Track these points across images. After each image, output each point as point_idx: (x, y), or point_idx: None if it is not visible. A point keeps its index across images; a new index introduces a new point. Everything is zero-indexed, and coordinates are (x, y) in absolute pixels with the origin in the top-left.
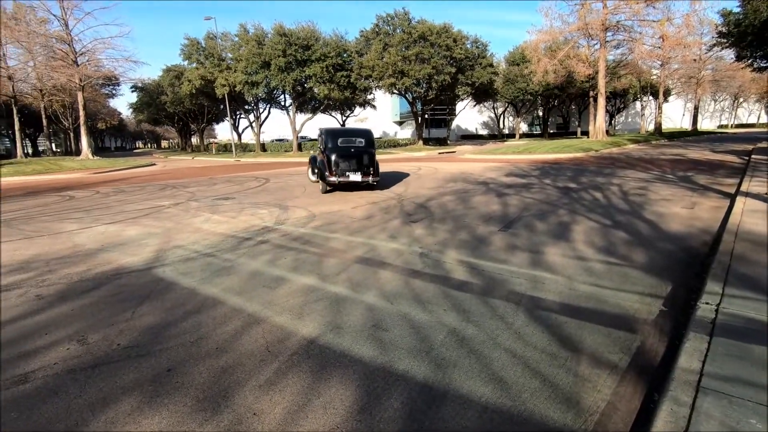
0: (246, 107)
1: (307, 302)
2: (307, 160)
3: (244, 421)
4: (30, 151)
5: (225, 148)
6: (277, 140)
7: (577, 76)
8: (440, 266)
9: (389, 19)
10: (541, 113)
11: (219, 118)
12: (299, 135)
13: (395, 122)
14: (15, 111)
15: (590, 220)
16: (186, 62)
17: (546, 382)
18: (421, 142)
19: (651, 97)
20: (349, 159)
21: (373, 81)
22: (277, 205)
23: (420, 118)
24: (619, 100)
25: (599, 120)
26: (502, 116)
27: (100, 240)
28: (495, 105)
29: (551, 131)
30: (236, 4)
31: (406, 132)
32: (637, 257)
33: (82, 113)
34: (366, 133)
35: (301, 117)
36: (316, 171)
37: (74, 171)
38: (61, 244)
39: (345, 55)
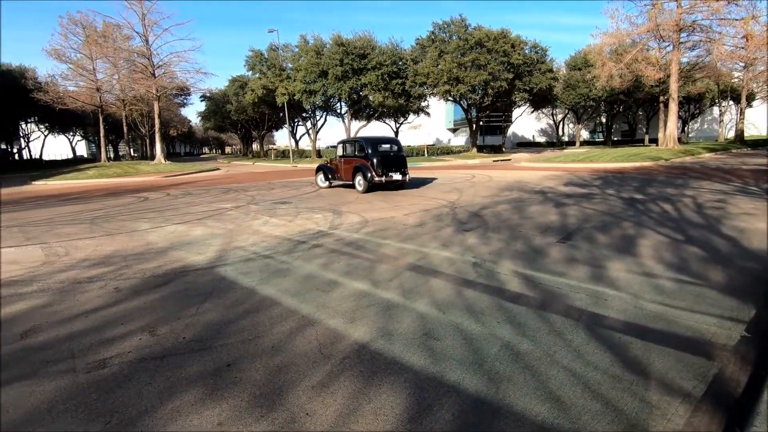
0: (303, 115)
1: (359, 307)
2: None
3: (297, 420)
4: (112, 155)
5: (283, 154)
6: (332, 147)
7: (645, 80)
8: (494, 277)
9: (445, 26)
10: (604, 120)
11: (278, 126)
12: None
13: (449, 129)
14: (101, 119)
15: (659, 234)
16: (250, 73)
17: (608, 406)
18: (475, 149)
19: (731, 102)
20: (389, 162)
21: (427, 88)
22: (331, 210)
23: (474, 125)
24: (693, 106)
25: (670, 126)
26: (561, 123)
27: (170, 239)
28: (554, 111)
29: (615, 139)
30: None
31: (460, 139)
32: (713, 276)
33: (157, 121)
34: (397, 141)
35: (355, 124)
36: (334, 176)
37: (149, 174)
38: (136, 241)
39: (400, 63)
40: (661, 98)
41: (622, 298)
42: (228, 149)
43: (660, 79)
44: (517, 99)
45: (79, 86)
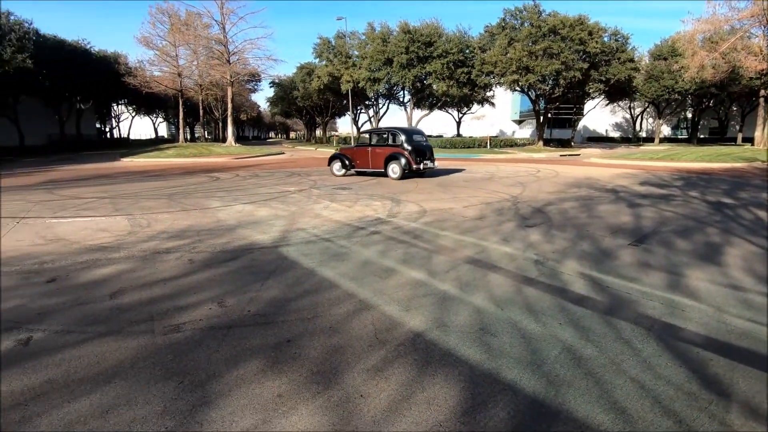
0: (366, 102)
1: (416, 296)
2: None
3: (351, 400)
4: (188, 136)
5: (344, 141)
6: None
7: (744, 71)
8: (557, 276)
9: (517, 12)
10: (689, 115)
11: (341, 113)
12: None
13: (514, 121)
14: (181, 103)
15: (751, 244)
16: (317, 60)
17: (681, 424)
18: (541, 142)
19: None
20: (422, 151)
21: (494, 77)
22: (390, 198)
23: (542, 117)
24: None
25: None
26: (639, 117)
27: (238, 217)
28: (632, 105)
29: (702, 136)
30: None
31: (525, 131)
32: None
33: (230, 106)
34: (423, 132)
35: (417, 113)
36: (352, 164)
37: (220, 155)
38: (208, 218)
39: (467, 51)
40: (762, 92)
41: (703, 310)
42: (292, 134)
43: (763, 70)
44: (591, 90)
45: (163, 71)
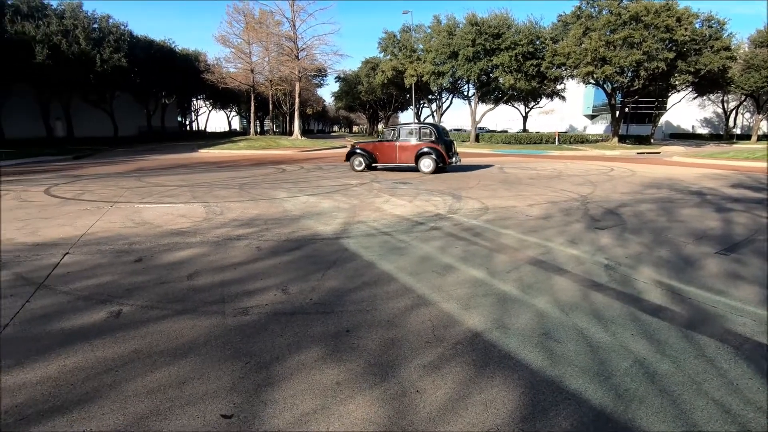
0: (430, 97)
1: (475, 295)
2: (477, 151)
3: (407, 395)
4: (258, 129)
5: None
6: (455, 129)
7: None
8: (630, 283)
9: (594, 0)
10: None
11: (404, 107)
12: (478, 126)
13: (586, 116)
14: (252, 97)
15: None
16: (382, 54)
17: None
18: (615, 139)
19: None
20: (449, 146)
21: (566, 69)
22: (450, 193)
23: (618, 112)
24: None
25: None
26: (734, 112)
27: (302, 208)
28: (725, 98)
29: None
30: None
31: (599, 127)
32: None
33: (297, 100)
34: (446, 129)
35: (481, 107)
36: (374, 159)
37: (287, 148)
38: (275, 208)
39: (537, 42)
40: None
41: None
42: (355, 128)
43: None
44: (677, 82)
45: (237, 68)
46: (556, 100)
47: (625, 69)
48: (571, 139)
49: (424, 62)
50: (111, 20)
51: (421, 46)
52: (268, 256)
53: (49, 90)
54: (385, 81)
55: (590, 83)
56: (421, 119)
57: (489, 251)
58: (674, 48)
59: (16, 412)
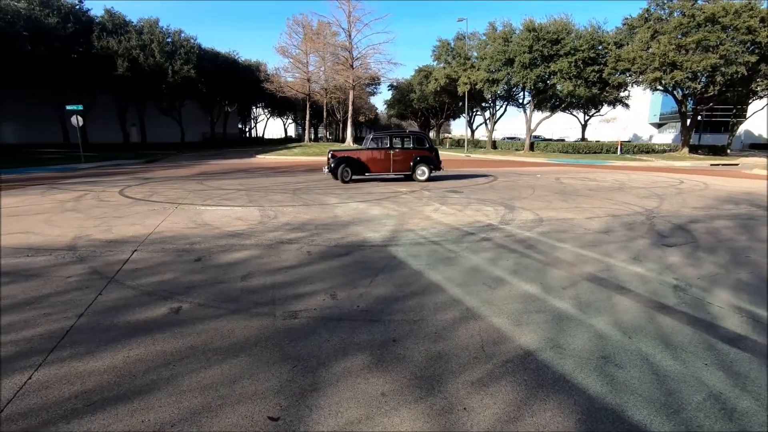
0: (483, 104)
1: (527, 311)
2: (531, 160)
3: (454, 411)
4: (313, 136)
5: (457, 143)
6: (508, 138)
7: None
8: (703, 307)
9: (665, 1)
10: None
11: (456, 115)
12: (533, 134)
13: (652, 124)
14: (308, 105)
15: None
16: (435, 62)
17: None
18: (686, 149)
19: None
20: (438, 154)
21: (630, 75)
22: (503, 204)
23: (689, 120)
24: None
25: None
26: None
27: (352, 214)
28: None
29: None
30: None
31: (666, 136)
32: None
33: (350, 108)
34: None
35: (537, 115)
36: (365, 169)
37: None
38: (326, 213)
39: (599, 47)
40: None
41: None
42: None
43: None
44: (758, 88)
45: (294, 77)
46: (619, 107)
47: (698, 74)
48: (635, 148)
49: (478, 70)
50: (183, 34)
51: (476, 54)
52: (318, 260)
53: (126, 99)
54: (438, 89)
55: (658, 90)
56: (473, 127)
57: (543, 265)
58: (757, 51)
59: (85, 398)
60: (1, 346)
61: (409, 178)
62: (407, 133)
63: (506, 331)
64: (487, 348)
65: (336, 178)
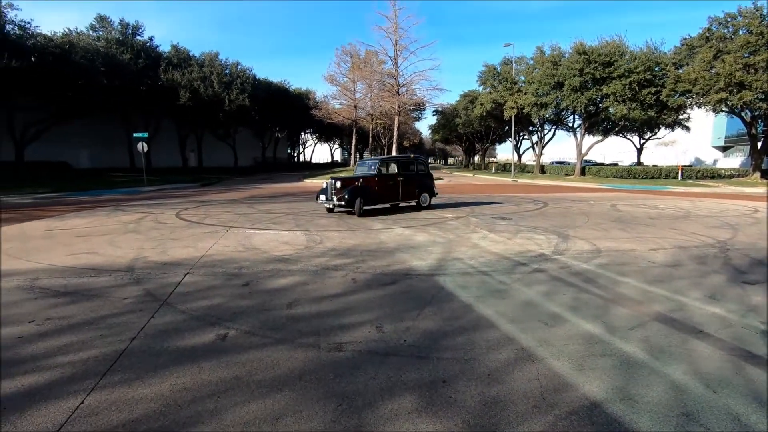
0: (530, 128)
1: (590, 354)
2: (583, 185)
3: None
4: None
5: (503, 168)
6: (557, 162)
7: None
8: None
9: (728, 19)
10: None
11: (502, 139)
12: (584, 158)
13: (716, 147)
14: (354, 131)
15: None
16: (481, 87)
17: None
18: (757, 174)
19: None
20: None
21: (692, 97)
22: (555, 232)
23: (760, 143)
24: None
25: None
26: None
27: (397, 241)
28: None
29: None
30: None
31: (733, 161)
32: None
33: (395, 133)
34: None
35: (588, 139)
36: (379, 198)
37: None
38: (371, 239)
39: (656, 69)
40: None
41: None
42: (451, 160)
43: None
44: None
45: (342, 104)
46: (678, 130)
47: None
48: (698, 173)
49: (525, 94)
50: (240, 66)
51: (523, 78)
52: (363, 289)
53: (186, 126)
54: (484, 113)
55: (723, 111)
56: (521, 151)
57: (605, 302)
58: None
59: (131, 427)
60: (128, 359)
61: (417, 205)
62: (413, 158)
63: (568, 376)
64: (547, 396)
65: (351, 208)
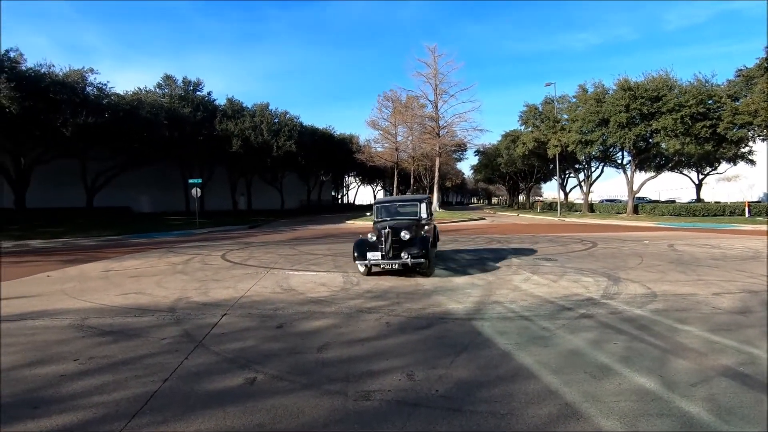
0: (576, 166)
1: (646, 413)
2: (637, 224)
3: None
4: None
5: (549, 207)
6: (607, 200)
7: None
8: None
9: None
10: None
11: (547, 177)
12: (636, 195)
13: None
14: (396, 173)
15: None
16: (522, 127)
17: None
18: None
19: None
20: None
21: (753, 129)
22: (605, 274)
23: None
24: None
25: None
26: None
27: (434, 282)
28: None
29: None
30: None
31: None
32: None
33: (437, 174)
34: None
35: (639, 176)
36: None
37: None
38: (408, 281)
39: (709, 102)
40: None
41: None
42: (494, 200)
43: None
44: None
45: (384, 147)
46: (742, 164)
47: None
48: (765, 209)
49: (569, 132)
50: (288, 114)
51: (566, 116)
52: (397, 333)
53: (237, 172)
54: (526, 152)
55: None
56: (567, 189)
57: (662, 352)
58: None
59: None
60: (159, 401)
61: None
62: (425, 197)
63: None
64: None
65: (424, 260)
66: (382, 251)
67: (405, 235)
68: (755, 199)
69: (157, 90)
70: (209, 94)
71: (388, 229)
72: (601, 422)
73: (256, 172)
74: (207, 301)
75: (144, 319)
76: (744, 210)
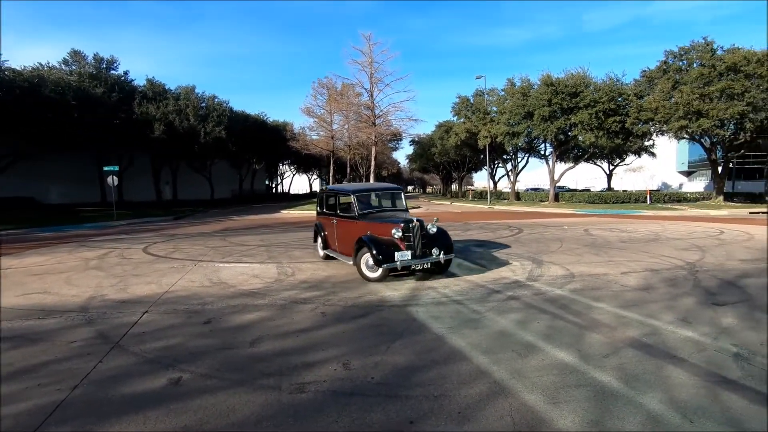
0: (504, 157)
1: (564, 385)
2: (557, 210)
3: None
4: None
5: (480, 195)
6: (532, 189)
7: None
8: None
9: (682, 53)
10: None
11: (477, 167)
12: (557, 185)
13: (681, 173)
14: (332, 162)
15: None
16: (455, 118)
17: None
18: (720, 197)
19: None
20: None
21: (654, 125)
22: (530, 258)
23: (720, 168)
24: None
25: None
26: None
27: None
28: None
29: None
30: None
31: (697, 184)
32: None
33: (372, 163)
34: None
35: (560, 166)
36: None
37: None
38: (345, 269)
39: (620, 99)
40: None
41: None
42: (429, 189)
43: None
44: None
45: (319, 135)
46: (645, 156)
47: (726, 122)
48: (665, 197)
49: (497, 123)
50: (216, 99)
51: (495, 109)
52: (333, 322)
53: (161, 159)
54: (459, 143)
55: (684, 138)
56: (496, 179)
57: (579, 328)
58: None
59: None
60: (67, 410)
61: None
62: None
63: (542, 411)
64: None
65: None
66: (412, 249)
67: (432, 228)
68: (655, 188)
69: (63, 67)
70: (126, 73)
71: (416, 222)
72: (525, 397)
73: (183, 160)
74: (126, 299)
75: (49, 321)
76: (646, 197)
